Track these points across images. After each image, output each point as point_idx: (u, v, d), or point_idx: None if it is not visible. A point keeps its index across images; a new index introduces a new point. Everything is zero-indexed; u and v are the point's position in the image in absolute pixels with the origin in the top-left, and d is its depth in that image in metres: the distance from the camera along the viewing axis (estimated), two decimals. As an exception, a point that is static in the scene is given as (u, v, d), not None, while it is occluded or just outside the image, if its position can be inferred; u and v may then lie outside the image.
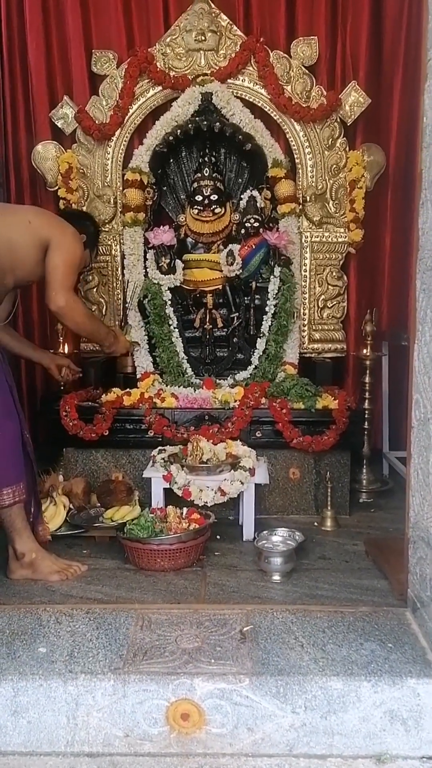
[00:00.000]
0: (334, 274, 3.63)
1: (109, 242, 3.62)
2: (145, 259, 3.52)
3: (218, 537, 2.82)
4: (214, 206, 3.49)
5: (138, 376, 3.45)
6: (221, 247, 3.53)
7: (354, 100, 3.54)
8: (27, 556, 2.44)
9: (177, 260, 3.46)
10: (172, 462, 2.87)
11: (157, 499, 2.86)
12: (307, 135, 3.53)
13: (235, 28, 3.54)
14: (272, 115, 3.55)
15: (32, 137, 3.77)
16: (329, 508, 3.00)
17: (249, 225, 3.45)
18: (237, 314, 3.49)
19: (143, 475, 2.93)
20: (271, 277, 3.40)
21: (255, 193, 3.50)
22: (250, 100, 3.55)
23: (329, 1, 3.65)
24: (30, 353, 3.18)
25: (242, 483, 2.79)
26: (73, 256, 2.79)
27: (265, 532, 2.62)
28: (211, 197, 3.48)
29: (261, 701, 1.76)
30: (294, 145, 3.55)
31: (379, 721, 1.75)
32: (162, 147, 3.50)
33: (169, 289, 3.45)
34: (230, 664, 1.83)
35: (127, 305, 3.51)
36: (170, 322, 3.43)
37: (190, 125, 3.45)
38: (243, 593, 2.32)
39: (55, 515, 2.83)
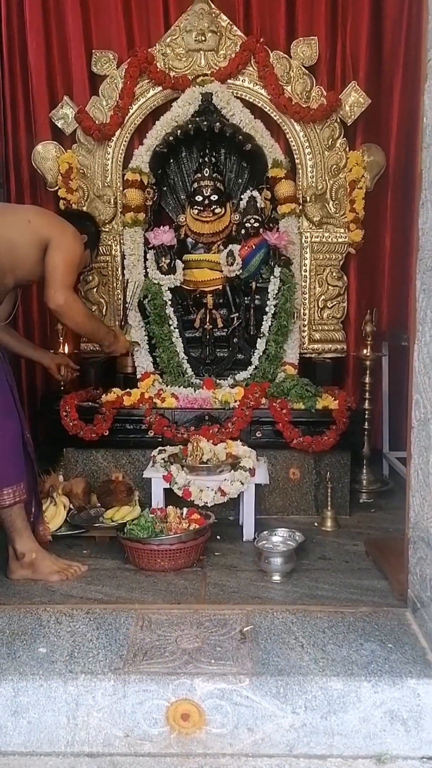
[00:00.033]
0: (334, 274, 3.63)
1: (109, 242, 3.62)
2: (145, 259, 3.52)
3: (218, 537, 2.82)
4: (214, 206, 3.49)
5: (138, 377, 3.45)
6: (221, 247, 3.53)
7: (354, 100, 3.54)
8: (27, 556, 2.44)
9: (177, 260, 3.46)
10: (172, 462, 2.87)
11: (158, 499, 2.86)
12: (307, 135, 3.53)
13: (235, 28, 3.54)
14: (272, 115, 3.55)
15: (32, 137, 3.77)
16: (329, 508, 3.00)
17: (249, 225, 3.45)
18: (237, 314, 3.49)
19: (143, 476, 2.93)
20: (271, 277, 3.40)
21: (255, 193, 3.50)
22: (250, 100, 3.55)
23: (329, 2, 3.65)
24: (30, 353, 3.19)
25: (242, 483, 2.79)
26: (72, 255, 2.78)
27: (265, 532, 2.62)
28: (211, 197, 3.49)
29: (261, 701, 1.76)
30: (294, 146, 3.55)
31: (379, 721, 1.75)
32: (162, 147, 3.50)
33: (169, 289, 3.45)
34: (230, 665, 1.83)
35: (127, 305, 3.51)
36: (170, 323, 3.43)
37: (190, 125, 3.45)
38: (243, 593, 2.32)
39: (55, 515, 2.83)
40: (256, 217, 3.46)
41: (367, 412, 3.45)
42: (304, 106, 3.47)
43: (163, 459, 2.89)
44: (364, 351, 3.46)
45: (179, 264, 3.46)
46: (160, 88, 3.55)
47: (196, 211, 3.52)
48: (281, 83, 3.47)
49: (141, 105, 3.58)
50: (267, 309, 3.41)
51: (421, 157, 1.98)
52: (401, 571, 2.22)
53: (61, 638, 1.99)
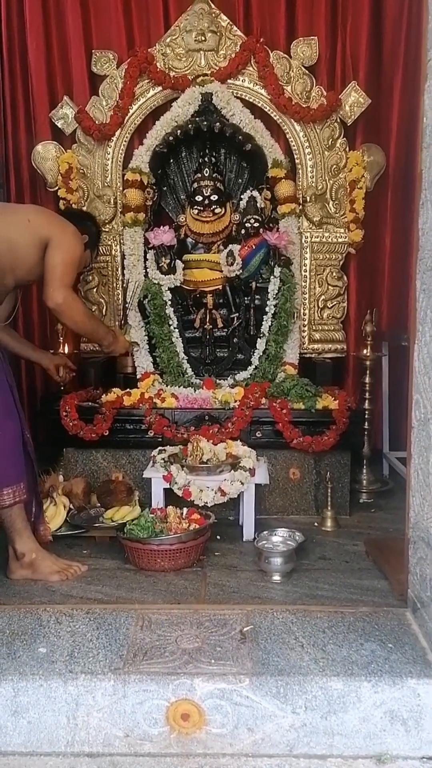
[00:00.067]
0: (334, 274, 3.63)
1: (109, 242, 3.62)
2: (145, 259, 3.52)
3: (218, 537, 2.82)
4: (214, 206, 3.49)
5: (138, 377, 3.45)
6: (221, 247, 3.53)
7: (354, 100, 3.54)
8: (27, 556, 2.44)
9: (177, 260, 3.46)
10: (172, 462, 2.87)
11: (157, 499, 2.86)
12: (307, 135, 3.53)
13: (235, 28, 3.54)
14: (272, 115, 3.55)
15: (32, 137, 3.77)
16: (329, 508, 3.00)
17: (249, 225, 3.45)
18: (237, 314, 3.49)
19: (143, 476, 2.93)
20: (271, 277, 3.40)
21: (255, 193, 3.50)
22: (250, 100, 3.55)
23: (329, 2, 3.64)
24: (29, 353, 3.19)
25: (242, 483, 2.79)
26: (72, 255, 2.78)
27: (265, 532, 2.62)
28: (211, 197, 3.49)
29: (261, 701, 1.76)
30: (294, 146, 3.55)
31: (379, 721, 1.75)
32: (162, 147, 3.50)
33: (169, 289, 3.45)
34: (230, 665, 1.83)
35: (127, 305, 3.50)
36: (170, 323, 3.43)
37: (190, 125, 3.45)
38: (243, 593, 2.32)
39: (55, 515, 2.83)
40: (256, 217, 3.46)
41: (367, 412, 3.45)
42: (304, 106, 3.47)
43: (163, 459, 2.89)
44: (364, 351, 3.46)
45: (179, 264, 3.46)
46: (160, 88, 3.55)
47: (196, 211, 3.52)
48: (281, 83, 3.47)
49: (141, 105, 3.58)
50: (267, 309, 3.41)
51: (421, 157, 1.98)
52: (401, 571, 2.22)
53: (61, 638, 1.98)
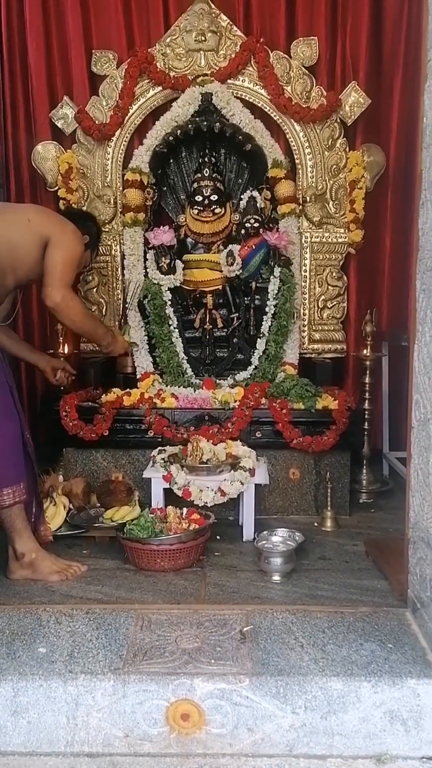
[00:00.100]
0: (334, 274, 3.63)
1: (109, 242, 3.62)
2: (145, 259, 3.52)
3: (218, 537, 2.82)
4: (214, 206, 3.49)
5: (138, 377, 3.45)
6: (221, 247, 3.53)
7: (354, 100, 3.54)
8: (27, 557, 2.43)
9: (177, 260, 3.46)
10: (172, 462, 2.87)
11: (157, 499, 2.86)
12: (307, 135, 3.53)
13: (235, 28, 3.54)
14: (272, 115, 3.55)
15: (32, 137, 3.77)
16: (329, 508, 3.00)
17: (249, 225, 3.45)
18: (237, 314, 3.49)
19: (143, 476, 2.93)
20: (271, 277, 3.40)
21: (255, 193, 3.50)
22: (250, 100, 3.55)
23: (329, 2, 3.65)
24: (27, 355, 3.15)
25: (242, 483, 2.79)
26: (72, 254, 2.78)
27: (265, 532, 2.62)
28: (211, 197, 3.49)
29: (261, 701, 1.76)
30: (294, 146, 3.55)
31: (379, 721, 1.75)
32: (162, 147, 3.50)
33: (169, 289, 3.45)
34: (230, 665, 1.83)
35: (127, 305, 3.50)
36: (170, 323, 3.43)
37: (190, 125, 3.45)
38: (243, 593, 2.32)
39: (55, 515, 2.83)
40: (256, 217, 3.46)
41: (367, 412, 3.46)
42: (304, 106, 3.47)
43: (163, 459, 2.89)
44: (364, 351, 3.47)
45: (179, 264, 3.46)
46: (160, 88, 3.55)
47: (196, 211, 3.52)
48: (281, 83, 3.47)
49: (141, 105, 3.58)
50: (267, 309, 3.41)
51: (421, 157, 1.98)
52: (401, 571, 2.22)
53: (61, 638, 1.98)
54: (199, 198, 3.50)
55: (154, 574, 2.48)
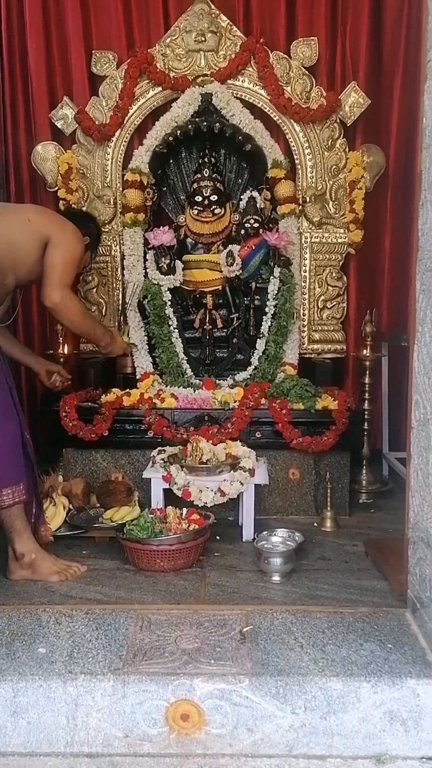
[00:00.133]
0: (333, 274, 3.63)
1: (109, 243, 3.62)
2: (145, 259, 3.52)
3: (218, 537, 2.82)
4: (213, 207, 3.50)
5: (138, 377, 3.45)
6: (221, 247, 3.54)
7: (354, 100, 3.55)
8: (27, 557, 2.43)
9: (177, 261, 3.46)
10: (171, 462, 2.87)
11: (157, 499, 2.86)
12: (306, 136, 3.53)
13: (234, 28, 3.55)
14: (272, 115, 3.55)
15: (32, 138, 3.77)
16: (329, 508, 3.00)
17: (249, 226, 3.45)
18: (237, 315, 3.49)
19: (143, 476, 2.93)
20: (271, 277, 3.40)
21: (255, 193, 3.50)
22: (250, 100, 3.55)
23: (329, 2, 3.65)
24: (22, 357, 3.10)
25: (242, 483, 2.79)
26: (72, 254, 2.78)
27: (264, 532, 2.62)
28: (211, 198, 3.49)
29: (261, 702, 1.76)
30: (294, 146, 3.55)
31: (378, 721, 1.75)
32: (162, 147, 3.50)
33: (169, 289, 3.45)
34: (230, 665, 1.83)
35: (126, 305, 3.50)
36: (170, 323, 3.43)
37: (189, 126, 3.45)
38: (243, 594, 2.32)
39: (54, 516, 2.83)
40: (256, 217, 3.46)
41: (366, 413, 3.46)
42: (303, 106, 3.47)
43: (163, 459, 2.89)
44: (364, 351, 3.47)
45: (179, 264, 3.46)
46: (159, 88, 3.55)
47: (196, 212, 3.52)
48: (281, 84, 3.47)
49: (141, 105, 3.58)
50: (267, 309, 3.41)
51: (421, 158, 1.98)
52: (401, 571, 2.22)
53: (61, 639, 1.98)
54: (198, 198, 3.50)
55: (154, 574, 2.48)
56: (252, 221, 3.45)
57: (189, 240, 3.61)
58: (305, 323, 3.63)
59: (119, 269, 3.62)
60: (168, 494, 2.86)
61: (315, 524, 3.03)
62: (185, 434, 3.03)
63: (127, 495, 2.95)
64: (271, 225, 3.51)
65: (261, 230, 3.45)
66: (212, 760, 1.74)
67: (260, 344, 3.41)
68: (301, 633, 2.00)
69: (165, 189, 3.72)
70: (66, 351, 3.62)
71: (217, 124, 3.42)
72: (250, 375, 3.38)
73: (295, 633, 2.00)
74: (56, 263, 2.70)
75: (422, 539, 2.01)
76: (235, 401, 3.13)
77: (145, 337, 3.46)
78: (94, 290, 3.67)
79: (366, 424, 3.46)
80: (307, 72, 3.52)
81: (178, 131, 3.47)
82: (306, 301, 3.62)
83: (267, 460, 3.07)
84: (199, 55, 3.53)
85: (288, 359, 3.46)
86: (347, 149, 3.57)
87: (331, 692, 1.76)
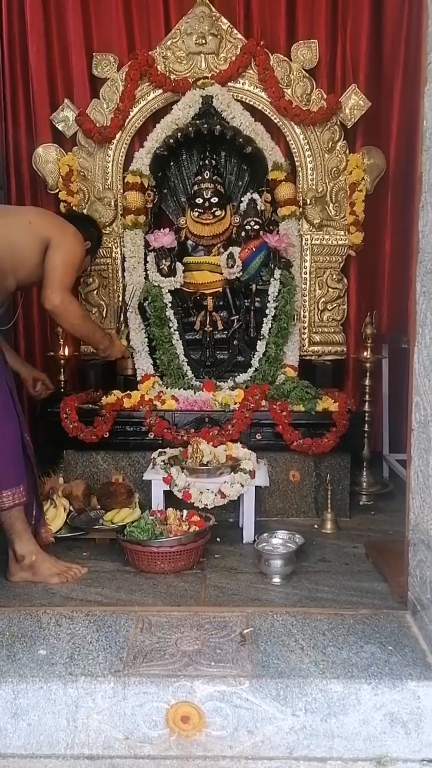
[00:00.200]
0: (334, 276, 3.64)
1: (110, 245, 3.62)
2: (146, 261, 3.53)
3: (218, 539, 2.82)
4: (214, 209, 3.50)
5: (138, 379, 3.45)
6: (221, 249, 3.54)
7: (354, 103, 3.55)
8: (27, 559, 2.43)
9: (177, 263, 3.46)
10: (172, 464, 2.87)
11: (157, 501, 2.86)
12: (307, 138, 3.54)
13: (235, 31, 3.55)
14: (272, 118, 3.55)
15: (33, 140, 3.78)
16: (329, 510, 3.00)
17: (249, 228, 3.45)
18: (237, 317, 3.49)
19: (143, 478, 2.93)
20: (272, 279, 3.41)
21: (255, 195, 3.50)
22: (251, 103, 3.56)
23: (329, 5, 3.65)
24: (11, 362, 3.05)
25: (242, 485, 2.79)
26: (73, 257, 2.79)
27: (265, 534, 2.62)
28: (212, 200, 3.49)
29: (261, 704, 1.76)
30: (294, 148, 3.56)
31: (379, 723, 1.75)
32: (162, 150, 3.51)
33: (170, 291, 3.45)
34: (230, 667, 1.83)
35: (127, 307, 3.50)
36: (170, 325, 3.43)
37: (190, 128, 3.46)
38: (243, 596, 2.32)
39: (55, 517, 2.83)
40: (257, 219, 3.46)
41: (367, 415, 3.46)
42: (304, 108, 3.47)
43: (163, 461, 2.89)
44: (364, 353, 3.47)
45: (179, 266, 3.46)
46: (160, 90, 3.55)
47: (197, 214, 3.53)
48: (281, 86, 3.48)
49: (141, 108, 3.59)
50: (267, 311, 3.41)
51: (421, 160, 1.98)
52: (401, 573, 2.22)
53: (61, 640, 1.98)
54: (199, 200, 3.50)
55: (154, 576, 2.48)
56: (252, 223, 3.45)
57: (189, 242, 3.62)
58: (306, 325, 3.63)
59: (120, 271, 3.63)
60: (168, 496, 2.86)
61: (315, 526, 3.03)
62: (186, 436, 3.03)
63: (127, 497, 2.95)
64: (271, 227, 3.52)
65: (261, 232, 3.45)
66: (213, 762, 1.74)
67: (261, 346, 3.42)
68: (301, 635, 1.99)
69: (165, 191, 3.72)
70: (66, 353, 3.62)
71: (218, 127, 3.43)
72: (251, 377, 3.39)
73: (295, 635, 2.00)
74: (57, 265, 2.71)
75: (422, 541, 2.01)
76: (235, 403, 3.13)
77: (146, 339, 3.46)
78: (95, 292, 3.67)
79: (366, 425, 3.47)
80: (307, 74, 3.53)
81: (179, 133, 3.47)
82: (306, 303, 3.62)
83: (267, 462, 3.07)
84: (200, 58, 3.54)
85: (288, 361, 3.46)
86: (348, 151, 3.58)
87: (332, 694, 1.76)
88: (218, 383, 3.35)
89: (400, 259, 3.73)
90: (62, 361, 3.64)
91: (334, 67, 3.71)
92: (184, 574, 2.51)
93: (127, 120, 3.57)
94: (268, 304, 3.40)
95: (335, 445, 3.03)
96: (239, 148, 3.50)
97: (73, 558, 2.63)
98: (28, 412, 3.07)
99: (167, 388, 3.33)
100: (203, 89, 3.47)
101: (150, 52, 3.53)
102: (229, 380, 3.40)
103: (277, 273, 3.40)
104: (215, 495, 2.78)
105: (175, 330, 3.43)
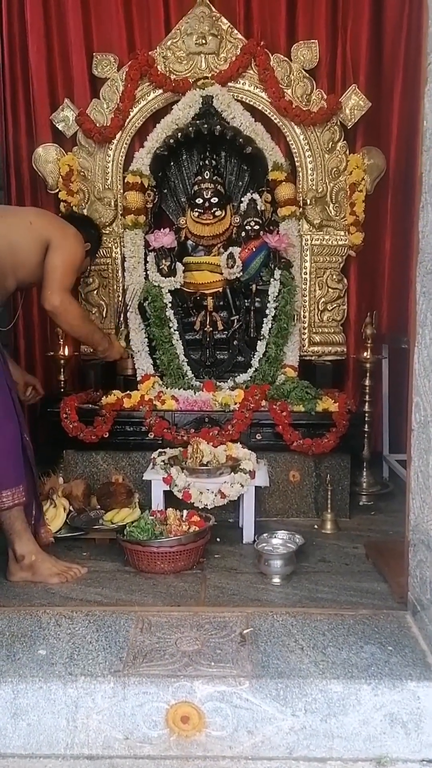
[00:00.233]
0: (334, 277, 3.64)
1: (110, 245, 3.62)
2: (146, 261, 3.53)
3: (218, 539, 2.82)
4: (214, 209, 3.50)
5: (138, 379, 3.45)
6: (221, 249, 3.54)
7: (354, 103, 3.55)
8: (27, 559, 2.43)
9: (177, 263, 3.46)
10: (172, 464, 2.87)
11: (157, 501, 2.86)
12: (307, 138, 3.54)
13: (235, 31, 3.55)
14: (273, 118, 3.55)
15: (33, 140, 3.78)
16: (329, 510, 3.00)
17: (249, 228, 3.45)
18: (237, 317, 3.48)
19: (143, 478, 2.93)
20: (272, 279, 3.40)
21: (255, 196, 3.50)
22: (251, 103, 3.56)
23: (329, 5, 3.65)
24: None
25: (242, 485, 2.79)
26: (73, 258, 2.79)
27: (265, 534, 2.62)
28: (212, 200, 3.50)
29: (261, 704, 1.76)
30: (294, 149, 3.56)
31: (379, 724, 1.75)
32: (162, 150, 3.51)
33: (170, 291, 3.45)
34: (230, 667, 1.83)
35: (127, 307, 3.49)
36: (170, 325, 3.43)
37: (190, 128, 3.46)
38: (243, 596, 2.31)
39: (55, 517, 2.83)
40: (257, 219, 3.46)
41: (367, 415, 3.46)
42: (304, 109, 3.48)
43: (163, 461, 2.89)
44: (364, 353, 3.47)
45: (179, 266, 3.46)
46: (160, 91, 3.56)
47: (197, 214, 3.53)
48: (281, 86, 3.48)
49: (141, 108, 3.59)
50: (267, 311, 3.41)
51: (422, 160, 1.98)
52: (401, 573, 2.22)
53: (61, 640, 1.98)
54: (199, 200, 3.50)
55: (154, 576, 2.48)
56: (252, 223, 3.45)
57: (189, 242, 3.62)
58: (306, 325, 3.63)
59: (120, 271, 3.63)
60: (168, 496, 2.86)
61: (315, 526, 3.03)
62: (186, 436, 3.03)
63: (127, 497, 2.95)
64: (271, 227, 3.52)
65: (261, 232, 3.45)
66: (212, 762, 1.73)
67: (261, 346, 3.42)
68: (301, 635, 1.99)
69: (166, 191, 3.72)
70: (66, 353, 3.62)
71: (218, 127, 3.43)
72: (251, 377, 3.39)
73: (295, 635, 2.00)
74: (57, 266, 2.71)
75: (422, 541, 2.01)
76: (235, 403, 3.13)
77: (146, 339, 3.46)
78: (95, 292, 3.67)
79: (366, 426, 3.47)
80: (307, 75, 3.53)
81: (179, 133, 3.47)
82: (306, 304, 3.62)
83: (267, 462, 3.07)
84: (200, 58, 3.54)
85: (288, 361, 3.46)
86: (348, 152, 3.58)
87: (332, 694, 1.76)
88: (218, 383, 3.35)
89: (400, 259, 3.73)
90: (62, 361, 3.64)
91: (334, 67, 3.71)
92: (184, 574, 2.51)
93: (127, 120, 3.57)
94: (268, 305, 3.40)
95: (335, 446, 3.03)
96: (239, 148, 3.50)
97: (73, 558, 2.63)
98: (28, 412, 3.07)
99: (167, 388, 3.33)
100: (203, 89, 3.47)
101: (150, 52, 3.53)
102: (229, 380, 3.40)
103: (277, 273, 3.40)
104: (215, 495, 2.78)
105: (175, 330, 3.43)
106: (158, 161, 3.55)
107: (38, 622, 2.09)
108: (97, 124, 3.54)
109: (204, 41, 3.48)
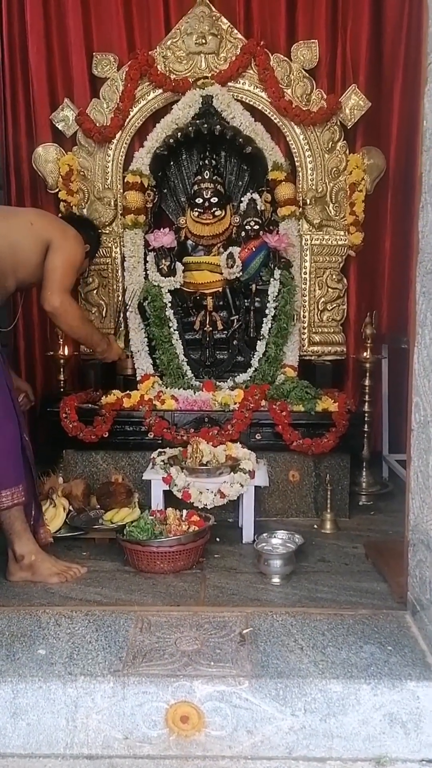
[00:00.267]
0: (334, 276, 3.63)
1: (110, 244, 3.62)
2: (146, 261, 3.52)
3: (218, 539, 2.82)
4: (214, 209, 3.50)
5: (138, 379, 3.45)
6: (221, 249, 3.54)
7: (354, 103, 3.55)
8: (26, 558, 2.43)
9: (177, 263, 3.46)
10: (171, 464, 2.87)
11: (157, 501, 2.86)
12: (307, 138, 3.54)
13: (235, 31, 3.55)
14: (272, 118, 3.55)
15: (33, 140, 3.78)
16: (329, 510, 3.00)
17: (249, 228, 3.45)
18: (237, 317, 3.48)
19: (143, 477, 2.93)
20: (271, 279, 3.40)
21: (255, 195, 3.50)
22: (251, 103, 3.56)
23: (329, 5, 3.65)
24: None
25: (242, 485, 2.79)
26: (73, 258, 2.79)
27: (264, 534, 2.62)
28: (212, 200, 3.49)
29: (260, 704, 1.76)
30: (294, 148, 3.56)
31: (378, 724, 1.75)
32: (162, 150, 3.51)
33: (169, 291, 3.45)
34: (230, 667, 1.83)
35: (127, 307, 3.49)
36: (170, 325, 3.43)
37: (190, 128, 3.46)
38: (242, 596, 2.32)
39: (54, 517, 2.83)
40: (256, 219, 3.46)
41: (366, 415, 3.46)
42: (304, 109, 3.47)
43: (163, 461, 2.89)
44: (364, 353, 3.47)
45: (179, 266, 3.46)
46: (160, 90, 3.55)
47: (197, 214, 3.53)
48: (281, 86, 3.48)
49: (141, 107, 3.59)
50: (267, 311, 3.41)
51: (421, 160, 1.98)
52: (401, 573, 2.22)
53: (61, 640, 1.98)
54: (199, 200, 3.50)
55: (154, 576, 2.48)
56: (252, 223, 3.45)
57: (189, 242, 3.62)
58: (305, 325, 3.63)
59: (119, 271, 3.63)
60: (168, 496, 2.86)
61: (315, 526, 3.03)
62: (185, 436, 3.03)
63: (127, 496, 2.95)
64: (271, 227, 3.52)
65: (261, 232, 3.45)
66: (212, 762, 1.74)
67: (260, 346, 3.42)
68: (300, 635, 1.99)
69: (165, 191, 3.72)
70: (66, 353, 3.62)
71: (218, 127, 3.43)
72: (250, 377, 3.39)
73: (294, 635, 2.00)
74: (57, 267, 2.71)
75: (422, 541, 2.01)
76: (235, 403, 3.13)
77: (146, 339, 3.46)
78: (95, 292, 3.67)
79: (366, 426, 3.47)
80: (307, 74, 3.53)
81: (179, 133, 3.47)
82: (306, 303, 3.62)
83: (267, 462, 3.07)
84: (200, 58, 3.54)
85: (288, 361, 3.46)
86: (347, 152, 3.58)
87: (331, 694, 1.76)
88: (218, 383, 3.35)
89: (400, 259, 3.73)
90: (62, 361, 3.64)
91: (334, 67, 3.71)
92: (184, 573, 2.51)
93: (127, 120, 3.57)
94: (267, 304, 3.40)
95: (335, 445, 3.03)
96: (239, 148, 3.50)
97: (73, 558, 2.63)
98: (28, 413, 3.06)
99: (167, 387, 3.33)
100: (203, 89, 3.47)
101: (150, 52, 3.53)
102: (228, 380, 3.40)
103: (277, 273, 3.40)
104: (215, 495, 2.78)
105: (174, 330, 3.43)
106: (158, 161, 3.55)
107: (38, 622, 2.09)
108: (97, 124, 3.54)
109: (204, 41, 3.48)
